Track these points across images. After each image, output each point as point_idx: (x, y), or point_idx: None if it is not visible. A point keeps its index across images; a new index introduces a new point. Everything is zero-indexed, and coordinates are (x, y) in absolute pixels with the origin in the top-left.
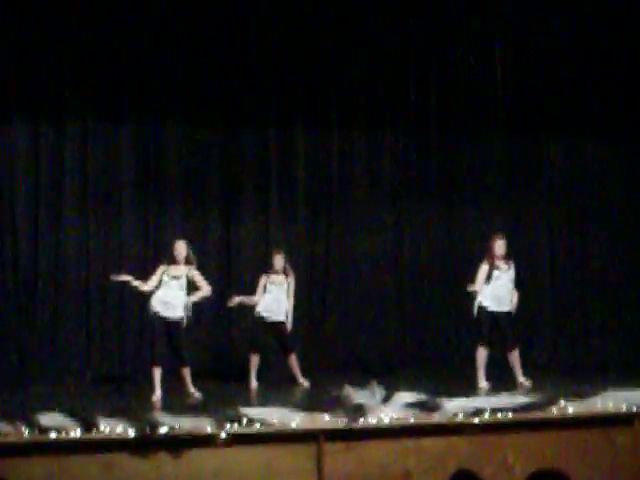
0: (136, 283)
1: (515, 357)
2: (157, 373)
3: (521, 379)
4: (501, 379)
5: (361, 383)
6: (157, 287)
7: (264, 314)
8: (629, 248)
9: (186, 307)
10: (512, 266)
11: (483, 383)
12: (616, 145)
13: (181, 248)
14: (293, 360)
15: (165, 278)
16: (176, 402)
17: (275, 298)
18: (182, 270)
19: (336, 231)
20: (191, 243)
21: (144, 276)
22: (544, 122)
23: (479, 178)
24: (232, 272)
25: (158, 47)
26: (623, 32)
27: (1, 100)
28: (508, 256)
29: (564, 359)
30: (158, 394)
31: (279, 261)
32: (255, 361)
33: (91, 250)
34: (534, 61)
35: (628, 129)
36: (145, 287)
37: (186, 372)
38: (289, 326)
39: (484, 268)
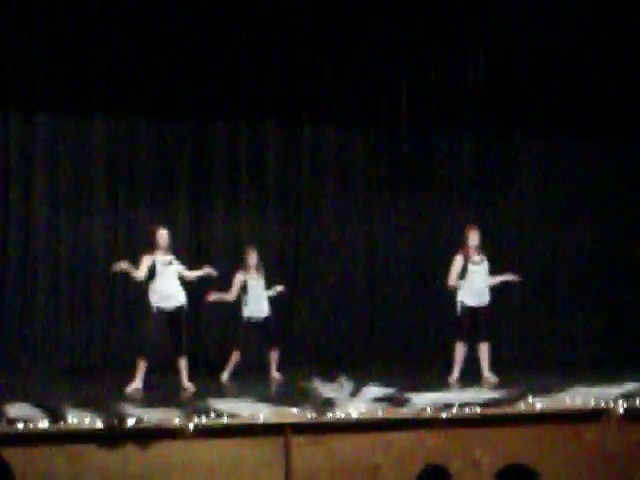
0: (132, 270)
1: (484, 350)
2: (142, 365)
3: (487, 374)
4: (470, 374)
5: (330, 377)
6: (151, 278)
7: (252, 314)
8: (598, 245)
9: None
10: (485, 259)
11: (454, 377)
12: (587, 143)
13: (166, 236)
14: (276, 354)
15: (158, 267)
16: (144, 394)
17: (258, 295)
18: (170, 257)
19: (307, 226)
20: None
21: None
22: (515, 119)
23: (450, 172)
24: (201, 266)
25: (129, 41)
26: (598, 29)
27: None
28: (481, 249)
29: (532, 355)
30: (139, 385)
31: (254, 258)
32: (235, 358)
33: (61, 243)
34: (507, 57)
35: (600, 127)
36: (141, 273)
37: (183, 363)
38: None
39: (458, 260)
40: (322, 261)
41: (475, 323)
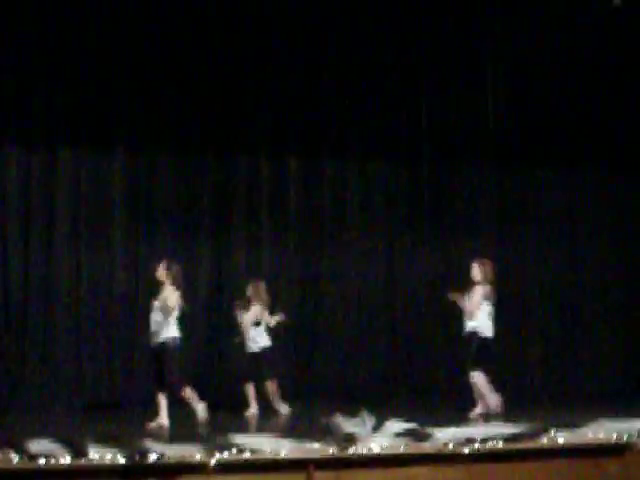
0: None
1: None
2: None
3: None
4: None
5: (351, 412)
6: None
7: (256, 346)
8: (620, 277)
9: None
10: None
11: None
12: (608, 173)
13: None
14: (273, 386)
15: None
16: (166, 430)
17: (248, 329)
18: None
19: (327, 259)
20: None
21: (134, 305)
22: (536, 151)
23: (471, 206)
24: (223, 300)
25: (150, 74)
26: (618, 60)
27: None
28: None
29: (555, 388)
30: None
31: (249, 291)
32: (252, 390)
33: (82, 277)
34: (526, 90)
35: (620, 157)
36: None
37: (163, 398)
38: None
39: (478, 294)
40: (343, 295)
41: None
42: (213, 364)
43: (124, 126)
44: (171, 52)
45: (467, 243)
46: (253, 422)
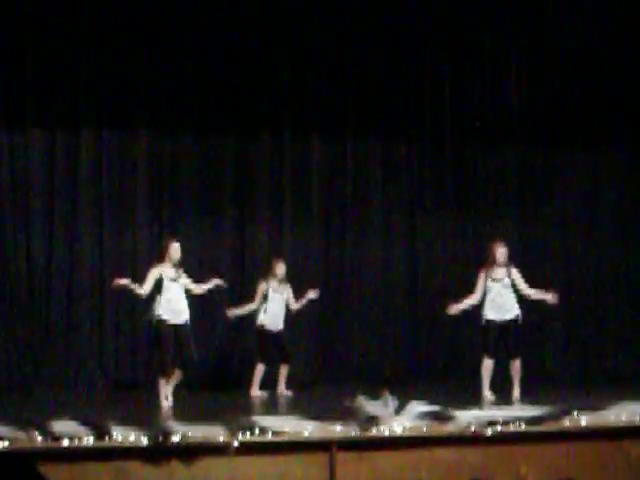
0: (133, 287)
1: (515, 368)
2: (164, 383)
3: (516, 394)
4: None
5: (374, 393)
6: (158, 291)
7: (265, 323)
8: None
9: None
10: (509, 274)
11: (487, 393)
12: (630, 156)
13: (178, 249)
14: (285, 370)
15: (166, 282)
16: (189, 410)
17: (279, 307)
18: (179, 272)
19: (350, 242)
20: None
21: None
22: (558, 134)
23: (494, 190)
24: (245, 281)
25: (171, 56)
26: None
27: (17, 108)
28: (507, 263)
29: (577, 370)
30: (170, 404)
31: (282, 269)
32: (260, 370)
33: (105, 257)
34: (549, 73)
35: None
36: (141, 291)
37: (179, 375)
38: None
39: (481, 276)
40: (366, 278)
41: (501, 338)
42: (234, 343)
43: (146, 107)
44: (192, 33)
45: (490, 225)
46: (282, 401)
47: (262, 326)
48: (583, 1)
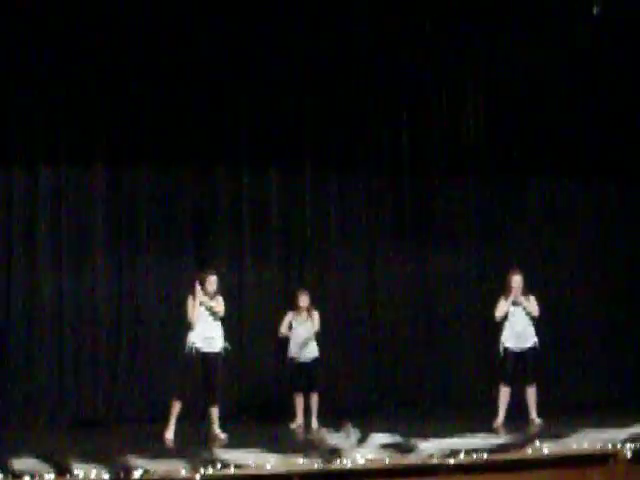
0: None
1: (532, 393)
2: (178, 407)
3: (533, 416)
4: (476, 419)
5: (336, 425)
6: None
7: (293, 355)
8: (605, 286)
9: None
10: (525, 301)
11: (499, 422)
12: (591, 186)
13: (214, 283)
14: (314, 399)
15: (201, 311)
16: (150, 445)
17: (300, 336)
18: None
19: (310, 273)
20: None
21: (117, 323)
22: (517, 164)
23: (452, 219)
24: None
25: (128, 90)
26: (597, 72)
27: None
28: (526, 291)
29: (539, 399)
30: (172, 431)
31: (304, 300)
32: (300, 401)
33: (65, 294)
34: (505, 106)
35: (604, 169)
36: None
37: (215, 412)
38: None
39: (501, 303)
40: (326, 307)
41: (518, 366)
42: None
43: (104, 143)
44: (150, 67)
45: (448, 256)
46: (300, 434)
47: (291, 359)
48: (538, 33)
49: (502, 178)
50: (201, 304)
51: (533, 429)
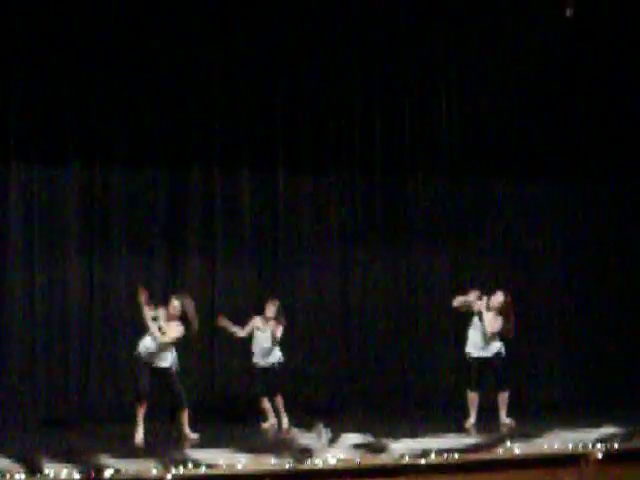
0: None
1: (503, 398)
2: (140, 409)
3: (503, 418)
4: (447, 419)
5: (307, 425)
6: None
7: (256, 360)
8: (574, 286)
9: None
10: (485, 311)
11: (471, 422)
12: (560, 186)
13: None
14: (280, 402)
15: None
16: (121, 444)
17: (261, 344)
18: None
19: (282, 274)
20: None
21: (88, 320)
22: (489, 164)
23: (425, 220)
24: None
25: (103, 89)
26: (568, 71)
27: None
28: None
29: (510, 399)
30: (140, 433)
31: (270, 310)
32: (267, 404)
33: (36, 292)
34: (478, 104)
35: (574, 170)
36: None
37: (183, 414)
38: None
39: (463, 297)
40: (298, 308)
41: (485, 373)
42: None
43: (76, 141)
44: (123, 65)
45: (420, 256)
46: (271, 434)
47: (255, 364)
48: (512, 33)
49: (474, 177)
50: (154, 319)
51: (504, 430)
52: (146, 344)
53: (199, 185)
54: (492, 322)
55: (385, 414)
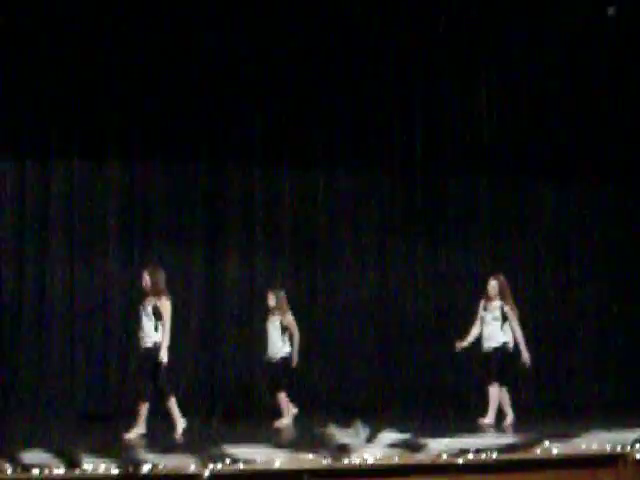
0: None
1: (493, 393)
2: (143, 408)
3: (487, 420)
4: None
5: (345, 422)
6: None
7: (268, 355)
8: (612, 287)
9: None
10: (497, 306)
11: (488, 420)
12: (600, 188)
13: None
14: (282, 397)
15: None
16: (160, 440)
17: (272, 337)
18: (150, 300)
19: (321, 270)
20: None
21: (128, 316)
22: (530, 163)
23: (465, 218)
24: (216, 310)
25: (144, 86)
26: (614, 77)
27: None
28: (498, 296)
29: (548, 399)
30: (135, 432)
31: (271, 301)
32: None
33: (76, 287)
34: (522, 101)
35: (615, 174)
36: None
37: (170, 402)
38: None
39: (479, 308)
40: (337, 306)
41: (487, 367)
42: (205, 373)
43: (117, 137)
44: (162, 62)
45: (460, 256)
46: (286, 432)
47: (268, 359)
48: (555, 32)
49: (513, 178)
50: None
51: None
52: (154, 339)
53: (239, 181)
54: (495, 310)
55: (423, 412)
